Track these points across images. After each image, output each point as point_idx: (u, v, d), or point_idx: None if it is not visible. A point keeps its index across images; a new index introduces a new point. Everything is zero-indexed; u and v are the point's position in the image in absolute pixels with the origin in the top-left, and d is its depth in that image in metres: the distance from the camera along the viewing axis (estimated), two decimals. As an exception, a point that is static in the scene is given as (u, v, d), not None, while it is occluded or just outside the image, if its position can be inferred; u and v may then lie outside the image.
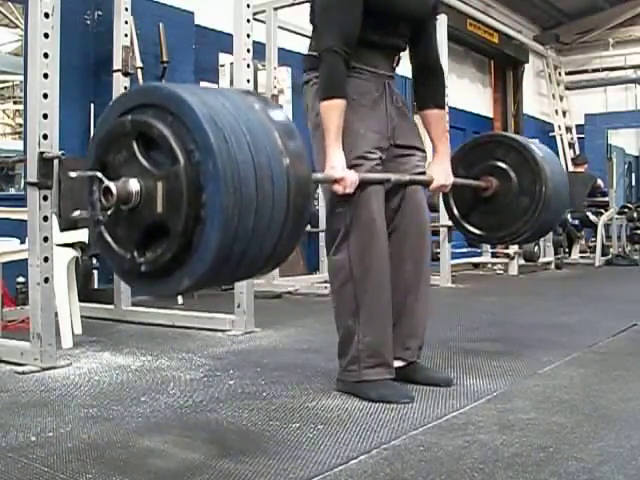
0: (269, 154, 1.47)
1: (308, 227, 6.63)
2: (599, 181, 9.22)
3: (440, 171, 2.43)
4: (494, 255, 7.82)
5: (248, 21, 3.50)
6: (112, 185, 1.45)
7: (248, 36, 3.49)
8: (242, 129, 1.45)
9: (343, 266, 2.22)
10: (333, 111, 2.14)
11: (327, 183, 2.17)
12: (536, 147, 2.77)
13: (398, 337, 2.33)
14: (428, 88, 2.44)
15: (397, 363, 2.36)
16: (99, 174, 1.49)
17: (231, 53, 3.63)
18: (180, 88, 1.50)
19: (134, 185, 1.45)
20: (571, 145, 11.92)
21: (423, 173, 2.40)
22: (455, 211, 2.89)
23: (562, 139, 11.80)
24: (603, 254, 8.43)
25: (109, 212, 1.50)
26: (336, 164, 2.12)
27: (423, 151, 2.42)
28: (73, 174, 1.56)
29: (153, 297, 1.54)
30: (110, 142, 1.52)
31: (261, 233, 1.46)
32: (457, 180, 2.56)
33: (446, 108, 5.64)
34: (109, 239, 1.51)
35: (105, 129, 1.55)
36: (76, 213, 1.72)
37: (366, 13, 2.18)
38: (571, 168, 11.06)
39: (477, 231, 2.86)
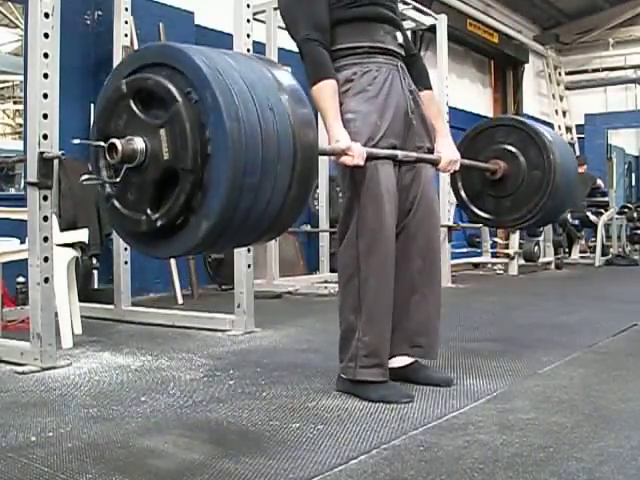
0: (275, 112, 1.47)
1: (308, 227, 6.65)
2: (599, 181, 9.21)
3: (446, 148, 2.43)
4: (494, 255, 7.82)
5: (248, 21, 3.50)
6: (117, 141, 1.45)
7: (248, 36, 3.49)
8: (247, 85, 1.45)
9: (351, 261, 2.22)
10: (325, 91, 2.16)
11: (334, 155, 2.17)
12: (547, 132, 2.76)
13: (404, 333, 2.35)
14: (412, 72, 2.44)
15: (403, 360, 2.37)
16: (103, 143, 1.50)
17: (231, 53, 3.62)
18: (178, 44, 1.53)
19: (139, 142, 1.46)
20: (571, 145, 11.92)
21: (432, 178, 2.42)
22: (463, 195, 2.88)
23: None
24: (603, 254, 8.43)
25: (118, 179, 1.50)
26: (340, 137, 2.13)
27: (431, 150, 2.43)
28: (84, 178, 1.58)
29: (178, 255, 1.52)
30: (109, 109, 1.54)
31: (269, 174, 1.45)
32: (465, 161, 2.55)
33: (446, 108, 5.68)
34: (121, 208, 1.50)
35: (103, 98, 1.56)
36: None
37: None
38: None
39: (485, 215, 2.86)
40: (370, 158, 2.16)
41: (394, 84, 2.29)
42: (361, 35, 2.27)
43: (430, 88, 2.50)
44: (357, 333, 2.21)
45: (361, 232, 2.20)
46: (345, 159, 2.11)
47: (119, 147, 1.44)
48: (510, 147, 2.73)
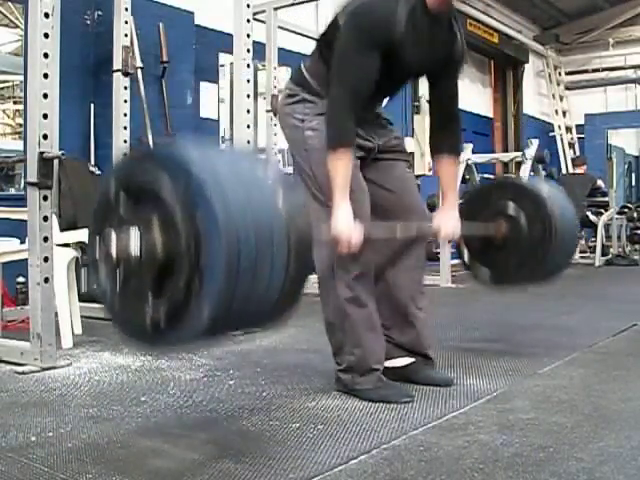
0: (267, 211, 1.48)
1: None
2: (599, 181, 9.21)
3: (447, 222, 2.37)
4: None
5: (248, 21, 3.50)
6: (111, 231, 1.48)
7: (248, 36, 3.49)
8: (240, 181, 1.47)
9: (325, 274, 2.24)
10: (340, 162, 2.08)
11: (330, 243, 2.09)
12: (543, 186, 2.77)
13: (402, 342, 2.38)
14: (442, 136, 2.40)
15: (403, 360, 2.39)
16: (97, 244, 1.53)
17: (231, 53, 3.63)
18: (169, 146, 1.57)
19: (133, 233, 1.47)
20: (571, 145, 11.92)
21: (412, 180, 2.43)
22: (466, 256, 2.88)
23: (562, 139, 11.80)
24: (603, 254, 8.43)
25: (119, 281, 1.52)
26: (342, 221, 2.06)
27: (407, 160, 2.44)
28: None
29: (184, 345, 1.55)
30: (102, 208, 1.57)
31: (264, 256, 1.46)
32: (465, 233, 2.52)
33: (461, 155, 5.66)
34: (125, 309, 1.52)
35: (96, 200, 1.60)
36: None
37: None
38: (570, 169, 11.10)
39: (488, 275, 2.85)
40: (366, 240, 2.10)
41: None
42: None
43: (457, 155, 2.44)
44: (345, 347, 2.23)
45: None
46: (342, 248, 2.06)
47: (114, 239, 1.47)
48: (508, 206, 2.74)
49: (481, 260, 2.84)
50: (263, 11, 5.26)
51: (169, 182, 1.44)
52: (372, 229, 2.14)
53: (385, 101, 2.41)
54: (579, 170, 9.26)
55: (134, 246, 1.47)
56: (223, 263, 1.39)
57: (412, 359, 2.40)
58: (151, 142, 4.94)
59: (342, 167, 2.09)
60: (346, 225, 2.05)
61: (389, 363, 2.35)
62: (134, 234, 1.47)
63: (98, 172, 4.71)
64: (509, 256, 2.75)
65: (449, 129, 2.40)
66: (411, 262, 2.38)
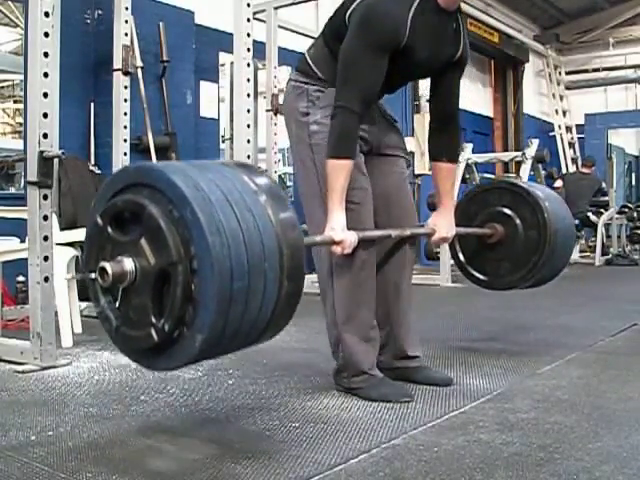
0: (258, 223, 1.48)
1: (305, 226, 6.64)
2: (603, 184, 9.23)
3: (443, 223, 2.41)
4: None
5: (248, 20, 3.50)
6: (106, 264, 1.48)
7: (248, 35, 3.49)
8: (228, 200, 1.46)
9: (325, 274, 2.25)
10: (341, 171, 2.08)
11: (325, 245, 2.12)
12: (540, 191, 2.78)
13: (393, 349, 2.38)
14: (441, 140, 2.40)
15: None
16: (92, 275, 1.53)
17: (231, 52, 3.63)
18: (154, 164, 1.56)
19: (127, 260, 1.48)
20: (571, 145, 11.92)
21: (406, 178, 2.42)
22: (460, 257, 2.89)
23: (562, 139, 11.80)
24: (603, 254, 8.43)
25: (117, 303, 1.54)
26: (336, 226, 2.07)
27: (406, 158, 2.43)
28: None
29: (178, 368, 1.58)
30: (93, 244, 1.58)
31: (257, 273, 1.47)
32: (461, 230, 2.56)
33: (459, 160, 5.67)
34: (129, 331, 1.53)
35: (86, 237, 1.61)
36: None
37: None
38: (573, 169, 11.10)
39: (482, 277, 2.87)
40: (361, 242, 2.12)
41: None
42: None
43: (455, 161, 2.45)
44: (341, 345, 2.23)
45: (340, 286, 2.21)
46: (335, 249, 2.07)
47: (108, 269, 1.48)
48: (504, 209, 2.74)
49: (475, 263, 2.85)
50: (263, 10, 5.26)
51: (156, 208, 1.45)
52: (367, 233, 2.16)
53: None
54: (586, 170, 9.25)
55: (130, 273, 1.48)
56: (216, 294, 1.39)
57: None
58: (150, 141, 4.94)
59: (342, 175, 2.09)
60: (341, 228, 2.07)
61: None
62: (128, 262, 1.48)
63: (98, 171, 4.71)
64: (502, 260, 2.76)
65: (449, 132, 2.40)
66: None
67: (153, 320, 1.47)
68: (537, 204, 2.68)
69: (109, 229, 1.54)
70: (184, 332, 1.45)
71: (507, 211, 2.74)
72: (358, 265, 2.19)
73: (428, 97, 2.50)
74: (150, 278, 1.47)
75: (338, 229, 2.07)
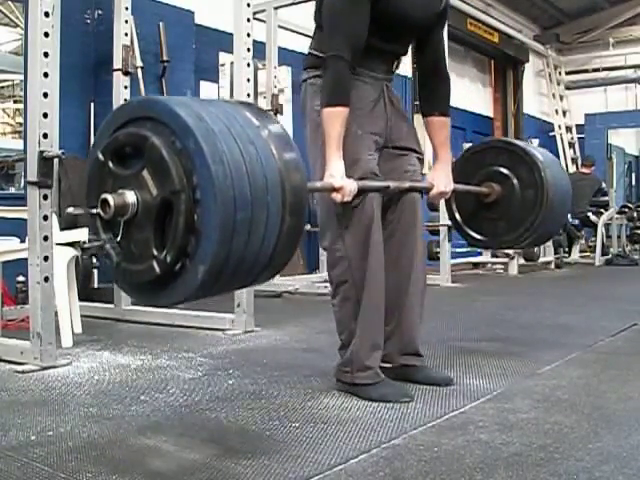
0: (263, 163, 1.48)
1: (308, 226, 6.65)
2: (603, 184, 9.23)
3: (441, 177, 2.42)
4: (494, 255, 7.83)
5: (248, 20, 3.50)
6: (108, 196, 1.48)
7: (248, 35, 3.49)
8: (231, 132, 1.46)
9: (343, 271, 2.22)
10: (336, 119, 2.11)
11: (325, 192, 2.15)
12: (537, 152, 2.77)
13: (397, 345, 2.36)
14: (432, 95, 2.42)
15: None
16: (93, 210, 1.54)
17: (231, 52, 3.62)
18: (158, 98, 1.57)
19: (129, 193, 1.48)
20: (571, 145, 11.93)
21: (419, 175, 2.40)
22: (457, 216, 2.89)
23: (562, 139, 11.81)
24: (603, 254, 8.44)
25: (119, 237, 1.53)
26: (335, 172, 2.10)
27: (420, 153, 2.42)
28: (71, 210, 1.62)
29: (180, 302, 1.57)
30: (95, 180, 1.57)
31: (260, 205, 1.47)
32: (458, 186, 2.55)
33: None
34: (131, 266, 1.53)
35: (87, 172, 1.60)
36: (70, 209, 1.75)
37: (370, 19, 2.17)
38: (573, 169, 11.10)
39: (479, 236, 2.86)
40: (361, 191, 2.14)
41: (378, 104, 2.29)
42: (357, 59, 2.19)
43: (446, 115, 2.45)
44: (356, 339, 2.22)
45: (347, 240, 2.19)
46: (335, 196, 2.09)
47: (110, 200, 1.48)
48: (501, 168, 2.74)
49: (472, 223, 2.85)
50: (263, 10, 5.27)
51: (159, 139, 1.44)
52: (366, 183, 2.17)
53: (395, 64, 2.37)
54: (586, 170, 9.25)
55: (131, 205, 1.48)
56: (219, 224, 1.39)
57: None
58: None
59: (338, 123, 2.11)
60: (340, 175, 2.09)
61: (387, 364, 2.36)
62: (129, 194, 1.48)
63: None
64: (500, 220, 2.76)
65: (440, 90, 2.43)
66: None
67: (155, 252, 1.46)
68: (534, 163, 2.68)
69: (110, 164, 1.53)
70: (186, 264, 1.44)
71: (504, 170, 2.74)
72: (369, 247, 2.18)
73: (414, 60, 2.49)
74: (152, 210, 1.46)
75: (337, 176, 2.09)
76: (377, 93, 2.30)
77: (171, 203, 1.43)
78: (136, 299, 1.60)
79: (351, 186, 2.10)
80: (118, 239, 1.54)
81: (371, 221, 2.19)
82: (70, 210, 1.71)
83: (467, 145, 7.05)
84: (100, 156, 1.54)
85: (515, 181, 2.71)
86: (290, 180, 1.52)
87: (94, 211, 1.53)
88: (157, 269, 1.46)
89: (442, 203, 5.79)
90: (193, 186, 1.41)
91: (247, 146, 1.47)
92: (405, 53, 2.39)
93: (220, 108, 1.55)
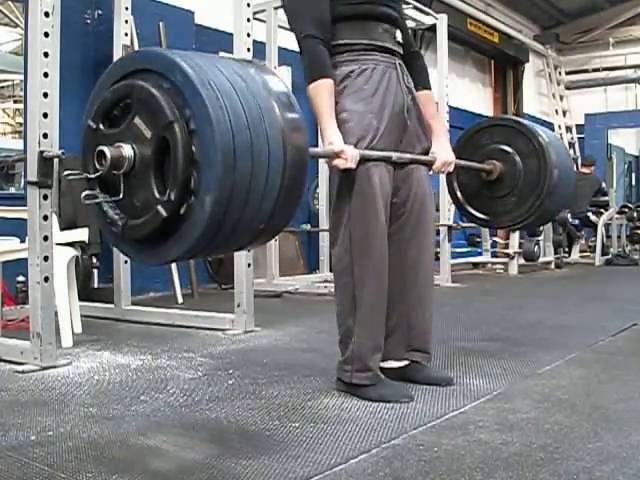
0: (264, 119, 1.48)
1: (308, 226, 6.65)
2: (603, 184, 9.23)
3: (440, 150, 2.41)
4: (494, 255, 7.83)
5: (248, 20, 3.50)
6: (104, 148, 1.48)
7: (248, 35, 3.49)
8: (236, 92, 1.46)
9: (345, 264, 2.21)
10: (322, 91, 2.14)
11: (327, 157, 2.15)
12: (540, 129, 2.76)
13: (403, 337, 2.35)
14: (412, 71, 2.42)
15: (399, 363, 2.38)
16: (89, 175, 1.54)
17: (231, 52, 3.62)
18: (163, 50, 1.58)
19: (125, 146, 1.48)
20: (571, 145, 11.92)
21: (428, 176, 2.41)
22: (459, 195, 2.88)
23: (562, 139, 11.81)
24: (603, 254, 8.44)
25: (121, 194, 1.53)
26: (334, 139, 2.11)
27: (428, 149, 2.42)
28: (69, 175, 1.61)
29: (188, 252, 1.54)
30: (89, 145, 1.57)
31: (260, 162, 1.47)
32: (460, 162, 2.55)
33: (446, 107, 5.69)
34: (137, 221, 1.51)
35: (81, 141, 1.61)
36: (65, 173, 1.75)
37: None
38: (576, 169, 11.10)
39: (481, 215, 2.86)
40: (363, 160, 2.14)
41: (391, 83, 2.28)
42: (358, 32, 2.26)
43: (429, 88, 2.48)
44: (353, 337, 2.22)
45: (354, 236, 2.19)
46: (338, 162, 2.10)
47: (107, 152, 1.47)
48: (505, 147, 2.73)
49: (474, 202, 2.85)
50: (263, 10, 5.27)
51: (147, 82, 1.45)
52: (366, 152, 2.17)
53: (398, 35, 2.37)
54: (586, 170, 9.26)
55: (128, 157, 1.48)
56: (219, 156, 1.39)
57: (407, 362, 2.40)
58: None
59: (325, 94, 2.14)
60: (338, 140, 2.11)
61: (387, 364, 2.36)
62: (125, 146, 1.48)
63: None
64: (502, 198, 2.75)
65: (418, 66, 2.45)
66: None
67: (158, 197, 1.46)
68: (539, 143, 2.67)
69: (102, 127, 1.54)
70: (191, 203, 1.44)
71: (506, 148, 2.73)
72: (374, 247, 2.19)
73: None
74: (149, 157, 1.46)
75: (336, 142, 2.10)
76: (387, 72, 2.28)
77: (167, 140, 1.42)
78: (145, 257, 1.56)
79: (352, 151, 2.10)
80: (120, 197, 1.53)
81: (377, 195, 2.19)
82: (66, 173, 1.70)
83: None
84: (91, 123, 1.55)
85: (518, 160, 2.70)
86: (292, 143, 1.52)
87: (92, 176, 1.53)
88: (163, 212, 1.45)
89: (442, 202, 5.81)
90: (186, 118, 1.41)
91: (234, 77, 1.47)
92: (398, 18, 2.38)
93: (213, 59, 1.56)
